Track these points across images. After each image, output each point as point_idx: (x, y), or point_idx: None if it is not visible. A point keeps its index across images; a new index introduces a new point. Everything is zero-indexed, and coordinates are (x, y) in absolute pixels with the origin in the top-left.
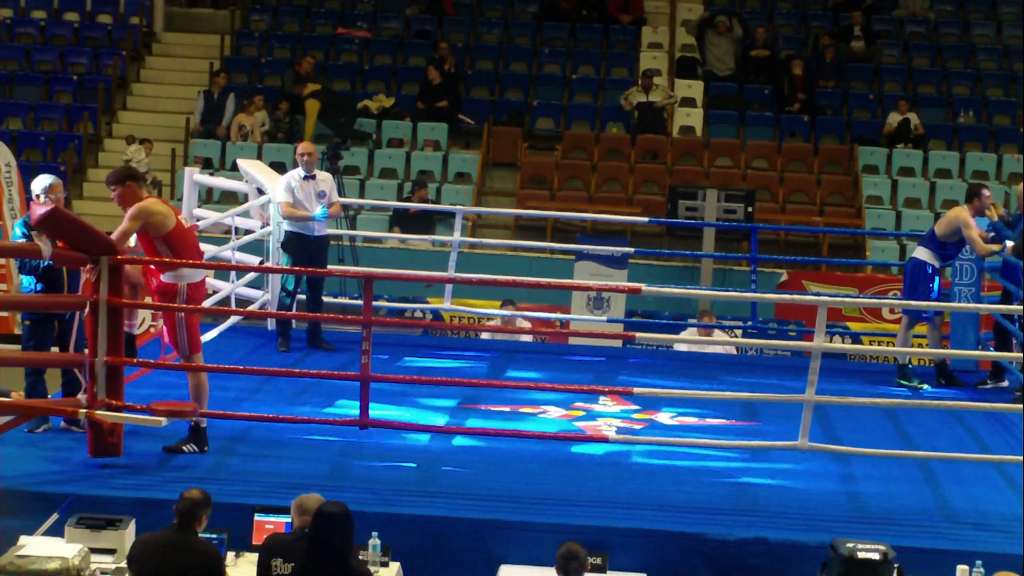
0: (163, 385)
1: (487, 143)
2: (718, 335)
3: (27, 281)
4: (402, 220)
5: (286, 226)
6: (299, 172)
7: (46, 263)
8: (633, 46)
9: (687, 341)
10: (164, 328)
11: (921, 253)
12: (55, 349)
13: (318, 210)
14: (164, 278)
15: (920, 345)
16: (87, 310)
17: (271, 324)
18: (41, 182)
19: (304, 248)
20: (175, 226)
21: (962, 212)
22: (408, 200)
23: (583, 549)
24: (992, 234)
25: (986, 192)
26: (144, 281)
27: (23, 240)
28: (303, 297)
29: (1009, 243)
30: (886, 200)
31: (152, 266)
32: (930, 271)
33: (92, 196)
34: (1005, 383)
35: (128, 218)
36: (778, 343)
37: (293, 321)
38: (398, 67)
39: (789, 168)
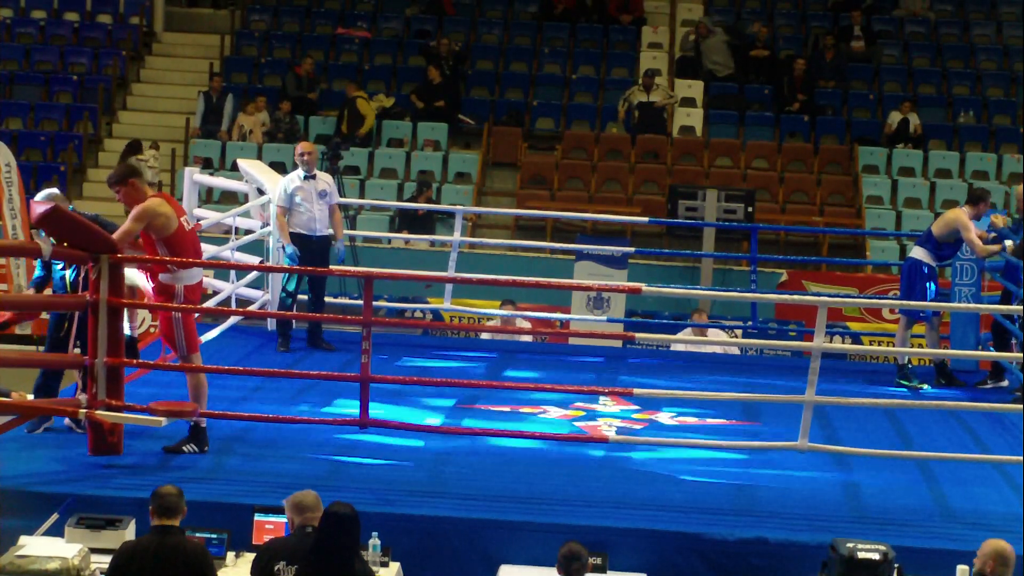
0: (163, 385)
1: (487, 143)
2: (714, 333)
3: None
4: (409, 221)
5: (288, 227)
6: (299, 173)
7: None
8: (633, 46)
9: (684, 341)
10: (161, 329)
11: (917, 253)
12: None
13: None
14: (162, 279)
15: (920, 345)
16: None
17: (271, 324)
18: (40, 196)
19: (306, 248)
20: (177, 228)
21: (961, 214)
22: (414, 200)
23: (585, 549)
24: (993, 235)
25: (990, 199)
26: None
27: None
28: (304, 298)
29: (1009, 243)
30: (886, 200)
31: (150, 268)
32: (926, 271)
33: (92, 196)
34: (1005, 383)
35: (132, 218)
36: (778, 343)
37: (293, 321)
38: (398, 67)
39: (789, 168)
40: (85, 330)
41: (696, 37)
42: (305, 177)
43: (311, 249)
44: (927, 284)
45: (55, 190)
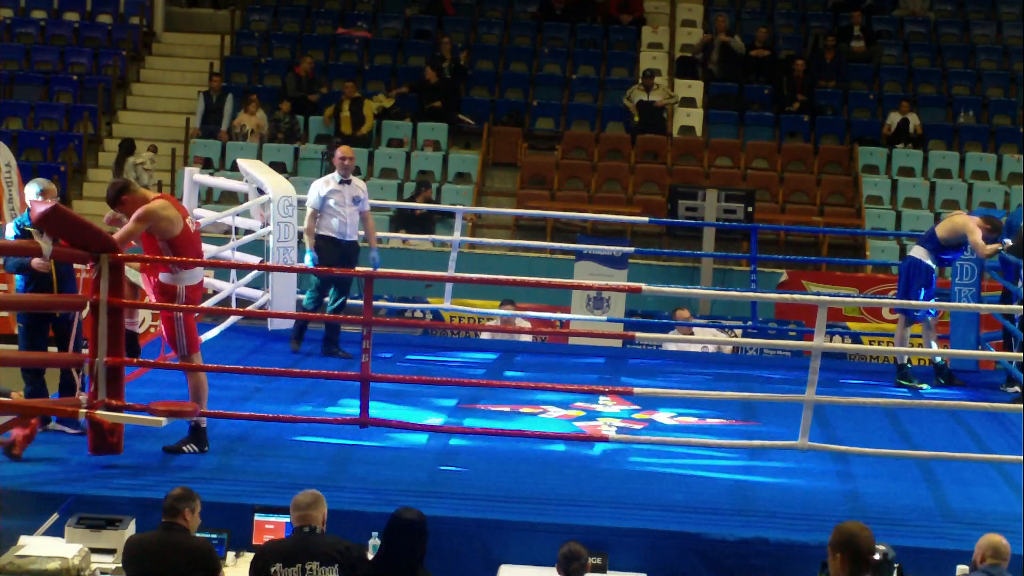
0: (163, 385)
1: (487, 143)
2: (701, 331)
3: (19, 280)
4: (407, 221)
5: (317, 230)
6: (335, 176)
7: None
8: (633, 46)
9: (676, 340)
10: (162, 328)
11: (917, 252)
12: (52, 350)
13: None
14: (163, 279)
15: (919, 345)
16: (86, 310)
17: (271, 324)
18: (33, 187)
19: (336, 251)
20: (182, 230)
21: (969, 220)
22: (412, 200)
23: (585, 549)
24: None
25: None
26: (143, 281)
27: (17, 238)
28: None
29: (1007, 240)
30: (886, 200)
31: (150, 267)
32: (924, 270)
33: (92, 196)
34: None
35: (135, 219)
36: (778, 343)
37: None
38: (398, 67)
39: (789, 168)
40: (67, 331)
41: (712, 36)
42: (341, 181)
43: (339, 253)
44: (924, 284)
45: (44, 180)
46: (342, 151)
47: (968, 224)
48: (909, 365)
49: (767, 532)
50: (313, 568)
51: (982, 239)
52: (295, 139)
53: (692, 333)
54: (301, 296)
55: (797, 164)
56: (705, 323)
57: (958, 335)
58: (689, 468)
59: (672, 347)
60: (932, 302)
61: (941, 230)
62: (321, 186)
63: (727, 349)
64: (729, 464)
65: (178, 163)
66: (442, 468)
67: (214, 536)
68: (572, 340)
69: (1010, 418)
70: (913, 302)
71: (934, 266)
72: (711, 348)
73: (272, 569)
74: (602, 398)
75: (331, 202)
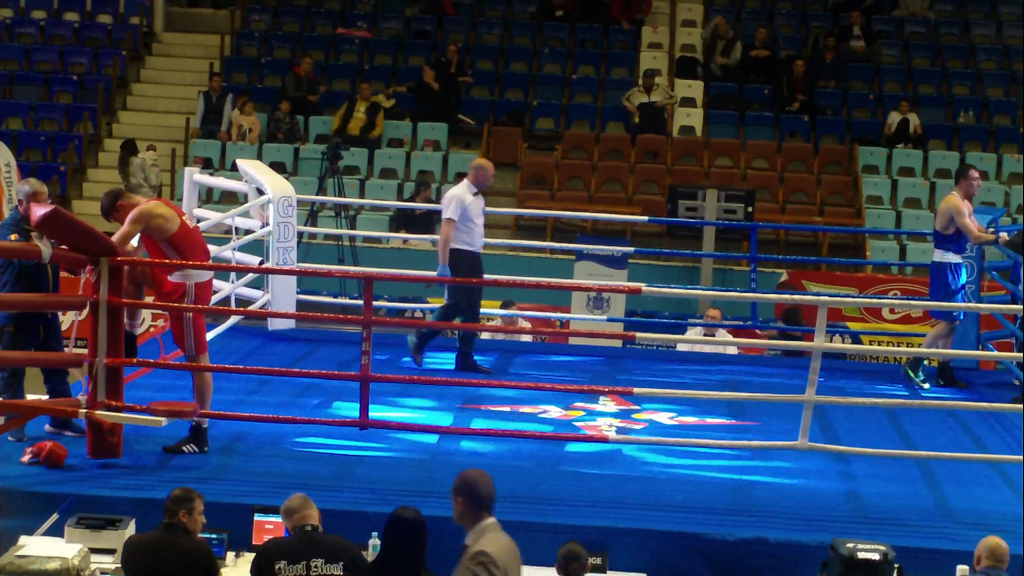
0: (163, 385)
1: (487, 143)
2: (721, 334)
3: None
4: (406, 221)
5: (453, 243)
6: (470, 188)
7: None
8: (633, 46)
9: (690, 341)
10: (171, 328)
11: (934, 255)
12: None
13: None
14: (172, 278)
15: (920, 345)
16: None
17: (271, 324)
18: (23, 188)
19: (470, 263)
20: (179, 228)
21: (953, 200)
22: (412, 200)
23: (584, 549)
24: (991, 229)
25: (974, 173)
26: (153, 282)
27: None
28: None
29: (1003, 234)
30: (886, 200)
31: (159, 270)
32: (939, 270)
33: (92, 196)
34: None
35: (129, 221)
36: (778, 343)
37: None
38: (398, 67)
39: (789, 168)
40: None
41: (714, 34)
42: (475, 193)
43: (476, 264)
44: (951, 283)
45: (36, 181)
46: (485, 163)
47: (953, 204)
48: (927, 364)
49: (767, 532)
50: (318, 565)
51: (969, 220)
52: (295, 139)
53: (715, 334)
54: (301, 296)
55: (797, 164)
56: (723, 324)
57: (958, 335)
58: (689, 468)
59: (685, 347)
60: (935, 303)
61: (936, 222)
62: (463, 197)
63: (734, 349)
64: (729, 464)
65: (178, 163)
66: (442, 468)
67: (214, 536)
68: (572, 340)
69: (1010, 418)
70: (914, 302)
71: (951, 261)
72: (720, 349)
73: (276, 567)
74: (602, 398)
75: (471, 214)
